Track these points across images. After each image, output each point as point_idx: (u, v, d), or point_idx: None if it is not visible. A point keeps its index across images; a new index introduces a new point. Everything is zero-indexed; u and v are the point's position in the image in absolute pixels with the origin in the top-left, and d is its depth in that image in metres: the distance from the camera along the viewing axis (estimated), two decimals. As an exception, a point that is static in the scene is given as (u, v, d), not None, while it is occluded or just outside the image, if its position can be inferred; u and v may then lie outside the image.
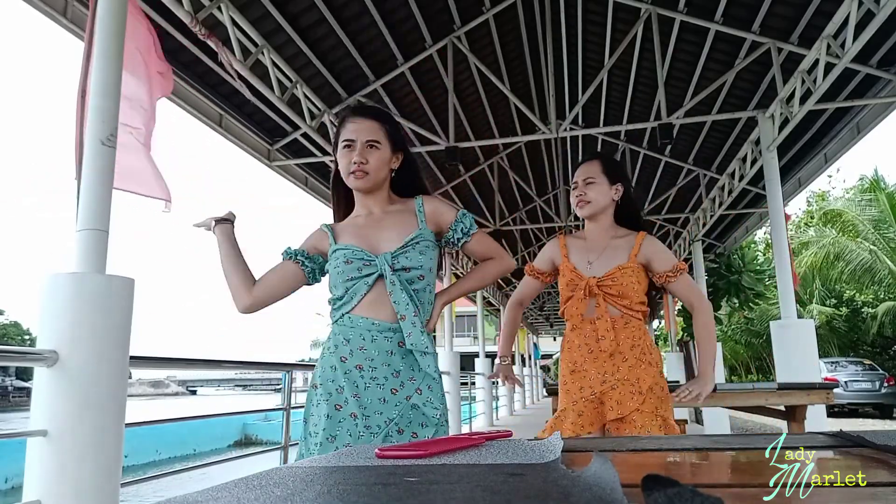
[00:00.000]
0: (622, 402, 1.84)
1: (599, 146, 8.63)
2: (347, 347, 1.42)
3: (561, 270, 2.06)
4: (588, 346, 1.93)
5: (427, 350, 1.42)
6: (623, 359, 1.89)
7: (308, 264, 1.57)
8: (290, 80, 4.88)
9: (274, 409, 3.97)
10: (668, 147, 7.59)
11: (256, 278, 1.57)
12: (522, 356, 19.16)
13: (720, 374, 8.38)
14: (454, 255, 10.04)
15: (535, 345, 22.63)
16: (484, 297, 12.80)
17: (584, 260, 2.02)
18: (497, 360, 2.27)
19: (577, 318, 1.97)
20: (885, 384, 12.53)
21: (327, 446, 1.36)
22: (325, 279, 1.57)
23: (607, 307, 1.94)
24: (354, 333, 1.42)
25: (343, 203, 1.65)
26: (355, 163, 1.47)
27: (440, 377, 1.49)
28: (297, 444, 1.49)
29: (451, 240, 1.55)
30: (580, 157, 2.22)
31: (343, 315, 1.45)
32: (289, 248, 1.59)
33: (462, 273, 9.72)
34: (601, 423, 1.88)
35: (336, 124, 1.59)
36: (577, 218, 11.45)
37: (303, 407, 1.54)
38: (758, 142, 5.78)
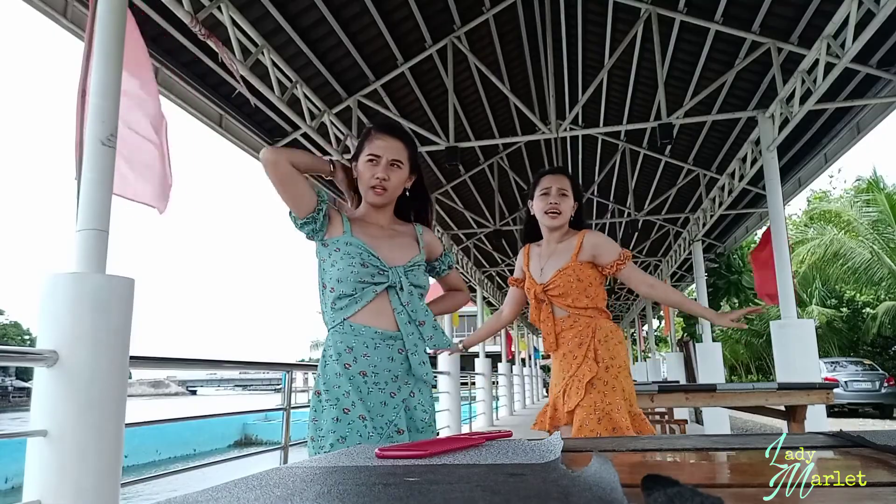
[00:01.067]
0: (570, 398, 1.97)
1: (599, 146, 8.64)
2: (351, 355, 1.48)
3: (525, 275, 2.21)
4: (551, 347, 2.09)
5: (447, 344, 1.59)
6: (573, 356, 2.01)
7: (320, 215, 1.54)
8: (290, 80, 4.88)
9: (274, 410, 3.97)
10: (668, 147, 7.59)
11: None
12: (523, 358, 19.18)
13: (720, 374, 8.37)
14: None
15: (535, 347, 22.67)
16: (484, 297, 12.80)
17: (538, 267, 2.15)
18: (460, 343, 2.47)
19: (537, 323, 2.14)
20: (885, 384, 12.53)
21: (338, 447, 1.40)
22: (320, 271, 1.59)
23: (553, 309, 2.09)
24: (358, 342, 1.48)
25: (352, 199, 1.71)
26: (378, 178, 1.54)
27: (431, 381, 1.60)
28: (297, 444, 1.57)
29: (437, 269, 1.74)
30: (553, 167, 2.35)
31: (343, 321, 1.49)
32: (323, 192, 1.57)
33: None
34: (556, 420, 2.05)
35: (362, 135, 1.64)
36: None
37: (303, 407, 1.62)
38: (758, 142, 5.78)
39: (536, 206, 2.16)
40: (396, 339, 1.51)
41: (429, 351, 1.57)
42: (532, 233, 2.28)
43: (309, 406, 1.56)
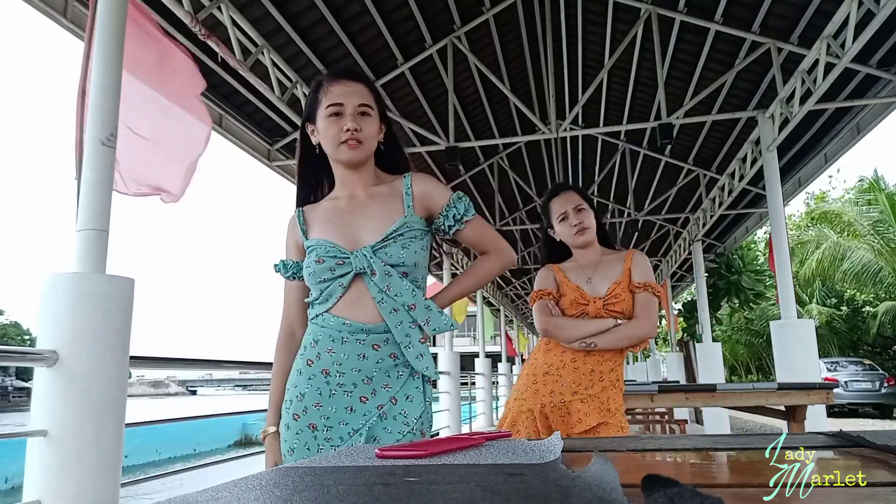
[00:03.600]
0: (590, 415, 1.88)
1: (599, 146, 8.63)
2: (315, 350, 1.27)
3: (562, 291, 2.05)
4: (573, 356, 1.96)
5: (448, 324, 1.28)
6: (600, 378, 1.93)
7: (294, 276, 1.41)
8: (290, 80, 4.88)
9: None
10: (668, 147, 7.59)
11: (290, 321, 1.42)
12: (522, 356, 19.18)
13: (720, 374, 8.38)
14: (453, 254, 10.04)
15: (535, 346, 22.66)
16: (484, 297, 12.80)
17: (584, 278, 2.03)
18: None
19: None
20: (885, 384, 12.53)
21: (287, 459, 1.27)
22: None
23: None
24: (324, 334, 1.26)
25: (312, 185, 1.45)
26: (348, 130, 1.27)
27: (433, 375, 1.33)
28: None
29: (442, 227, 1.34)
30: (556, 186, 2.18)
31: (319, 314, 1.29)
32: (282, 264, 1.41)
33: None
34: (565, 432, 1.88)
35: (312, 88, 1.36)
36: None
37: None
38: (758, 142, 5.78)
39: (561, 232, 2.08)
40: (372, 332, 1.24)
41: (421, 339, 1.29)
42: (553, 254, 2.18)
43: None
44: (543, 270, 2.13)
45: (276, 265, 1.42)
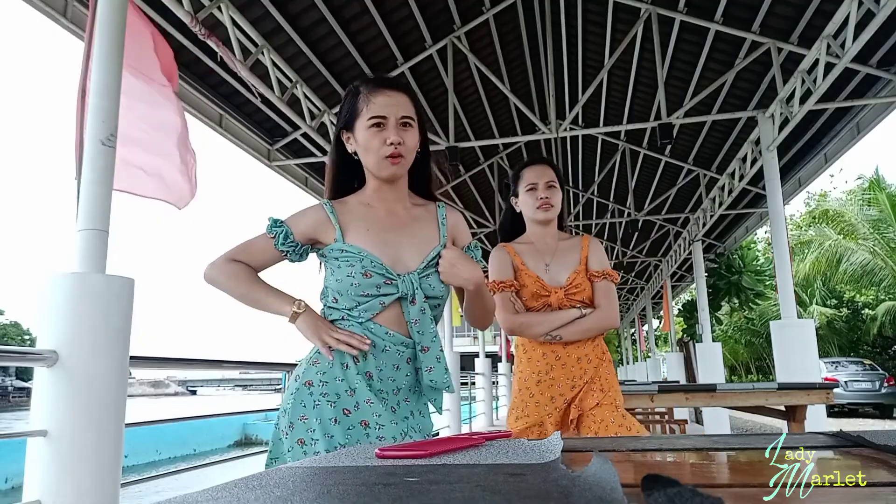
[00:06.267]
0: (584, 399, 1.86)
1: (599, 146, 8.64)
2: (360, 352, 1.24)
3: (521, 280, 1.95)
4: (555, 352, 1.90)
5: (446, 385, 1.27)
6: (588, 360, 1.90)
7: (294, 257, 1.33)
8: (290, 80, 4.88)
9: (274, 410, 3.96)
10: (668, 147, 7.59)
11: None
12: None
13: (720, 374, 8.38)
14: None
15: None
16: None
17: (541, 265, 1.96)
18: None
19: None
20: (885, 384, 12.52)
21: None
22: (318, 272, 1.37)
23: None
24: (367, 335, 1.24)
25: (345, 190, 1.39)
26: (391, 143, 1.24)
27: (438, 410, 1.36)
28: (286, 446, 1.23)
29: None
30: (534, 157, 2.13)
31: (364, 321, 1.25)
32: (283, 233, 1.29)
33: None
34: (566, 425, 1.90)
35: (349, 95, 1.32)
36: (577, 218, 11.40)
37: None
38: (758, 142, 5.78)
39: (524, 202, 2.00)
40: (409, 346, 1.26)
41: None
42: (512, 230, 2.09)
43: (290, 399, 1.24)
44: (499, 252, 2.00)
45: (274, 227, 1.30)
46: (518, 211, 2.06)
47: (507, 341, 16.60)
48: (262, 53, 4.47)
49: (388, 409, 1.23)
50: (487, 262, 1.46)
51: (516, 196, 2.05)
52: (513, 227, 2.10)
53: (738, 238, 10.72)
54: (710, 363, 8.21)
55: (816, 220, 19.09)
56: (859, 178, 19.62)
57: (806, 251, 17.63)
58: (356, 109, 1.28)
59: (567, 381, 1.88)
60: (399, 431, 1.21)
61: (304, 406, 1.21)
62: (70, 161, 2.25)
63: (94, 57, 2.29)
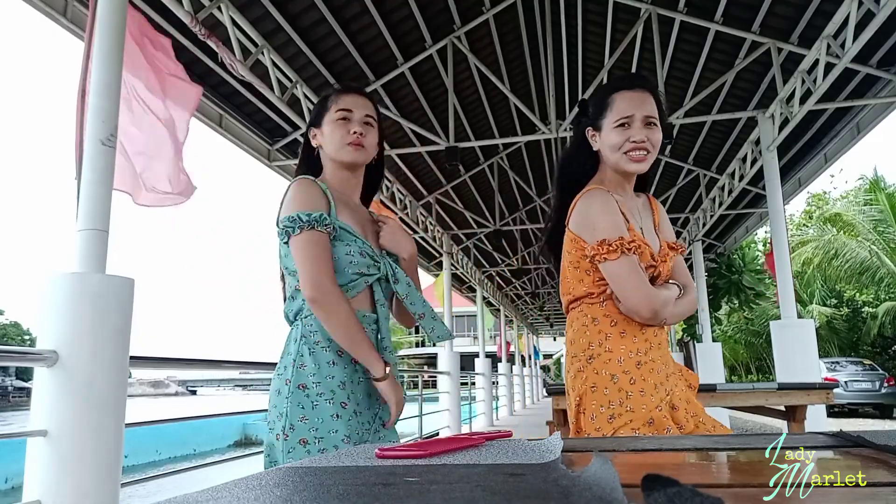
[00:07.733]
0: (690, 401, 1.41)
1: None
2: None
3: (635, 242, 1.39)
4: (652, 329, 1.41)
5: (447, 335, 1.43)
6: (668, 344, 1.47)
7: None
8: (290, 80, 4.88)
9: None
10: (668, 147, 7.59)
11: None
12: (523, 356, 19.18)
13: (720, 374, 8.38)
14: (452, 254, 10.02)
15: (535, 347, 22.67)
16: (484, 297, 12.80)
17: (636, 225, 1.43)
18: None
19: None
20: (885, 384, 12.52)
21: (343, 447, 1.16)
22: None
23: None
24: None
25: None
26: (355, 133, 1.37)
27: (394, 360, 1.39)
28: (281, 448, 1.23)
29: None
30: (632, 74, 1.55)
31: None
32: (321, 219, 1.29)
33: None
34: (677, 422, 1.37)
35: (321, 99, 1.46)
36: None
37: None
38: (758, 142, 5.78)
39: (610, 141, 1.39)
40: (373, 322, 1.36)
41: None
42: (582, 174, 1.49)
43: (286, 403, 1.25)
44: (604, 196, 1.38)
45: (320, 221, 1.28)
46: (595, 149, 1.46)
47: (507, 343, 16.59)
48: (262, 53, 4.47)
49: (367, 391, 1.33)
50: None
51: (597, 130, 1.44)
52: (582, 169, 1.49)
53: (738, 238, 10.73)
54: (710, 363, 8.22)
55: (816, 221, 19.08)
56: (860, 178, 19.62)
57: (807, 249, 17.62)
58: (325, 108, 1.42)
59: (663, 367, 1.39)
60: (378, 407, 1.33)
61: (303, 408, 1.24)
62: (70, 161, 2.25)
63: (94, 57, 2.29)
